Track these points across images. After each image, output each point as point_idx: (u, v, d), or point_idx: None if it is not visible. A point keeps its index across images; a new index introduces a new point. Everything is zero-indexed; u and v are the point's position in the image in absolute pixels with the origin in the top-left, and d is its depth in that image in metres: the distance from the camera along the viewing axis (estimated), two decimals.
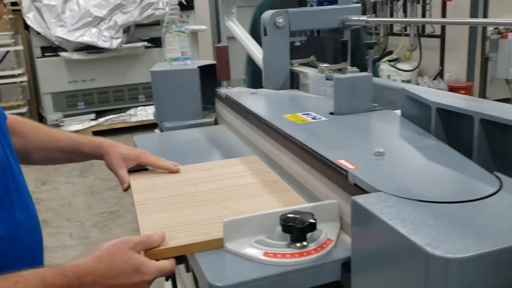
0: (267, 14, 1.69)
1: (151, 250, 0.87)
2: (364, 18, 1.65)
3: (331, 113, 1.33)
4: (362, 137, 1.14)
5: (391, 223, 0.66)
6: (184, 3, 5.72)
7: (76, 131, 5.47)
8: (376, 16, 7.06)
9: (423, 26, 6.45)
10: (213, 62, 1.87)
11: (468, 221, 0.66)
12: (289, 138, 1.14)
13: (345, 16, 1.72)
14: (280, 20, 1.67)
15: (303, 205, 0.93)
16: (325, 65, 1.61)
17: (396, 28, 6.86)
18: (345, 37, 1.75)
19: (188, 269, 1.18)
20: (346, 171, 0.89)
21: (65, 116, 5.75)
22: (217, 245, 0.89)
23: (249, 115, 1.43)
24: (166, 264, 0.87)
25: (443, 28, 6.20)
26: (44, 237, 1.06)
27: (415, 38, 6.35)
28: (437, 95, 1.16)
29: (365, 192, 0.82)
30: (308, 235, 0.86)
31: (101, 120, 5.78)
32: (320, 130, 1.18)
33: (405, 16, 6.45)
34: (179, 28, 1.84)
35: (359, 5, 1.76)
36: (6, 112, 1.11)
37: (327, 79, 1.56)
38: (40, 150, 1.23)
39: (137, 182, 1.21)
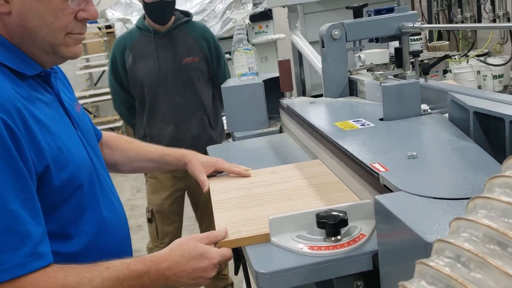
0: (324, 27, 1.81)
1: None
2: (418, 25, 1.71)
3: (381, 119, 1.42)
4: (402, 141, 1.22)
5: (400, 216, 0.77)
6: (269, 13, 5.96)
7: None
8: (462, 10, 6.81)
9: None
10: (277, 75, 2.03)
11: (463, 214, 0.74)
12: (335, 144, 1.26)
13: (401, 23, 1.78)
14: (336, 32, 1.78)
15: (340, 204, 1.04)
16: (380, 72, 1.69)
17: (485, 21, 6.53)
18: (401, 44, 1.81)
19: None
20: (378, 174, 0.99)
21: None
22: (265, 239, 1.03)
23: (304, 123, 1.56)
24: (226, 250, 1.05)
25: None
26: (139, 240, 1.27)
27: (506, 30, 6.00)
28: (478, 98, 1.20)
29: (391, 191, 0.92)
30: (343, 230, 0.97)
31: None
32: (365, 136, 1.28)
33: (493, 9, 6.14)
34: (246, 46, 2.02)
35: (415, 12, 1.81)
36: (104, 126, 1.36)
37: (382, 85, 1.64)
38: (133, 161, 1.46)
39: (215, 185, 1.40)
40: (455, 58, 6.40)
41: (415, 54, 1.44)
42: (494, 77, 6.32)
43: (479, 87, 6.33)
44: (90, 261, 0.97)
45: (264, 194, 1.26)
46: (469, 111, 1.15)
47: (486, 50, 6.60)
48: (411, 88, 1.39)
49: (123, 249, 1.19)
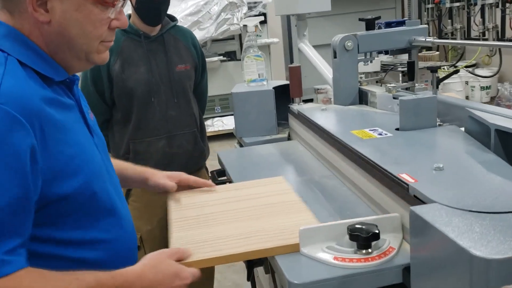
0: (337, 38, 1.83)
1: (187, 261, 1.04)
2: (430, 39, 1.74)
3: (397, 129, 1.44)
4: (423, 152, 1.25)
5: (442, 229, 0.78)
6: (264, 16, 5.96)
7: None
8: (452, 22, 6.92)
9: (503, 30, 6.22)
10: (286, 82, 2.04)
11: (510, 229, 0.77)
12: (356, 153, 1.27)
13: (412, 37, 1.82)
14: (349, 43, 1.81)
15: (370, 217, 1.05)
16: (392, 84, 1.72)
17: (474, 33, 6.66)
18: (412, 58, 1.84)
19: (267, 271, 1.35)
20: (407, 185, 1.01)
21: None
22: (237, 258, 1.05)
23: (319, 130, 1.57)
24: (196, 271, 1.04)
25: None
26: None
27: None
28: (497, 116, 1.23)
29: (423, 203, 0.94)
30: (373, 243, 0.99)
31: None
32: (386, 146, 1.30)
33: (483, 21, 6.26)
34: (256, 52, 2.03)
35: (425, 26, 1.85)
36: None
37: (394, 98, 1.67)
38: None
39: (175, 201, 1.37)
40: (444, 69, 6.51)
41: (433, 70, 1.47)
42: (482, 88, 6.45)
43: (467, 97, 6.45)
44: (104, 267, 0.96)
45: (225, 212, 1.25)
46: (489, 128, 1.18)
47: (474, 62, 6.73)
48: (428, 103, 1.41)
49: (133, 254, 1.18)
